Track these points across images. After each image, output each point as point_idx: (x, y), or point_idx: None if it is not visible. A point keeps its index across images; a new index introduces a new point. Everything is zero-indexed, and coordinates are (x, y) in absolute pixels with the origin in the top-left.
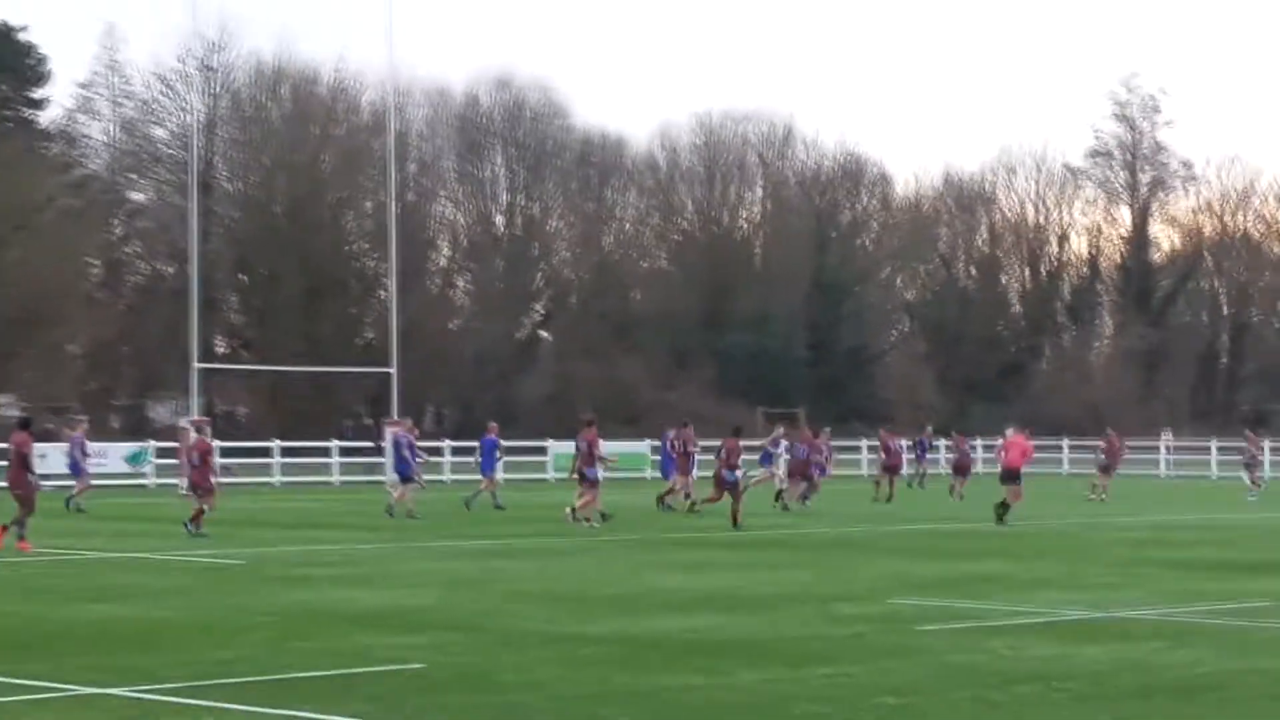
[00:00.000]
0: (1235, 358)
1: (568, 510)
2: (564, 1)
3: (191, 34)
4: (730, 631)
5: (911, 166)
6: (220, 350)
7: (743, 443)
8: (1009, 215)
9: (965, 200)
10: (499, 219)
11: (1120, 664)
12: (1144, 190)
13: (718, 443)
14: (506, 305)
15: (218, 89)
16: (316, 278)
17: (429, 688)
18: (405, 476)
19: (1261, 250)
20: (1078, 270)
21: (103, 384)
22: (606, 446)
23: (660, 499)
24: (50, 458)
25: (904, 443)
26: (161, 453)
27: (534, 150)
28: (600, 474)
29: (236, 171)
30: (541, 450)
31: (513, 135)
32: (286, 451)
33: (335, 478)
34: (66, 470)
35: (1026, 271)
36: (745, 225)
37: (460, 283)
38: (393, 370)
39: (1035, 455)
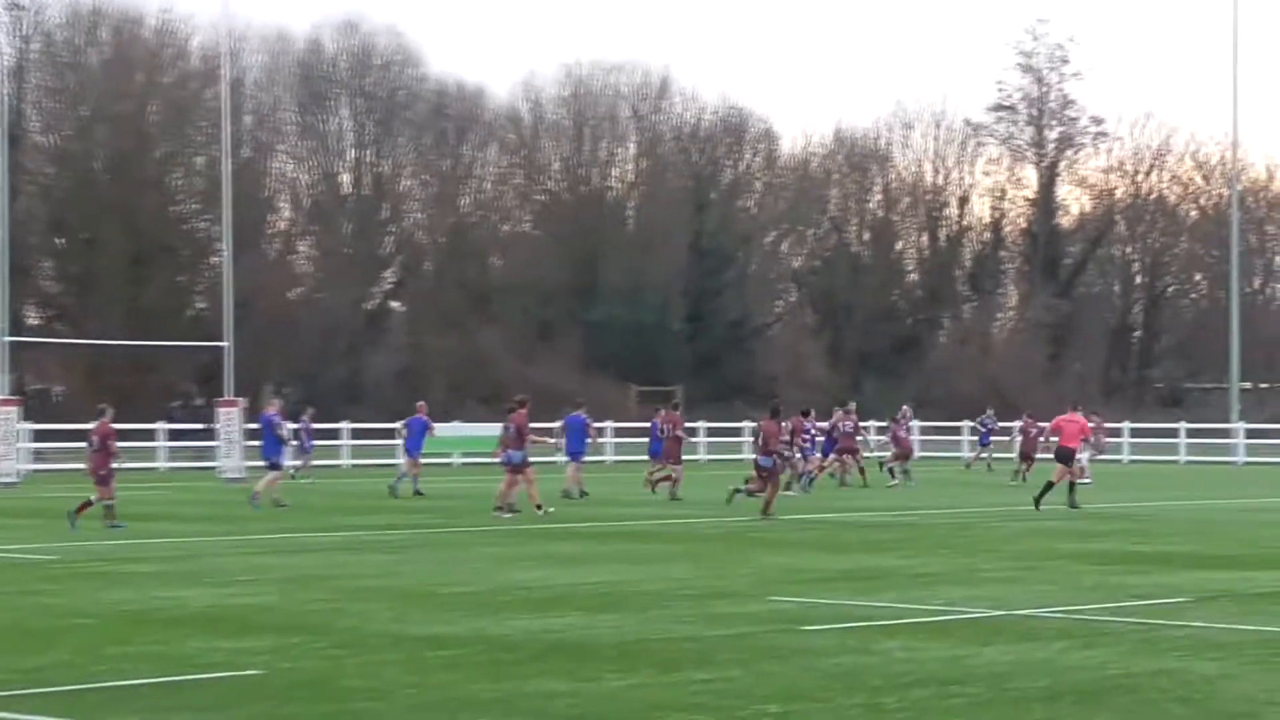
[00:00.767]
0: (1149, 331)
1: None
2: None
3: None
4: (598, 632)
5: (799, 122)
6: (32, 322)
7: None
8: (905, 176)
9: (857, 159)
10: (345, 177)
11: (1023, 666)
12: (1051, 148)
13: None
14: (353, 272)
15: (28, 30)
16: (141, 241)
17: (266, 696)
18: (273, 462)
19: (1177, 214)
20: (979, 235)
21: None
22: (459, 429)
23: (652, 483)
24: None
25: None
26: None
27: (384, 102)
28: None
29: (50, 123)
30: (391, 433)
31: (360, 85)
32: None
33: (161, 464)
34: None
35: (924, 237)
36: (617, 185)
37: (302, 248)
38: (227, 344)
39: (936, 437)
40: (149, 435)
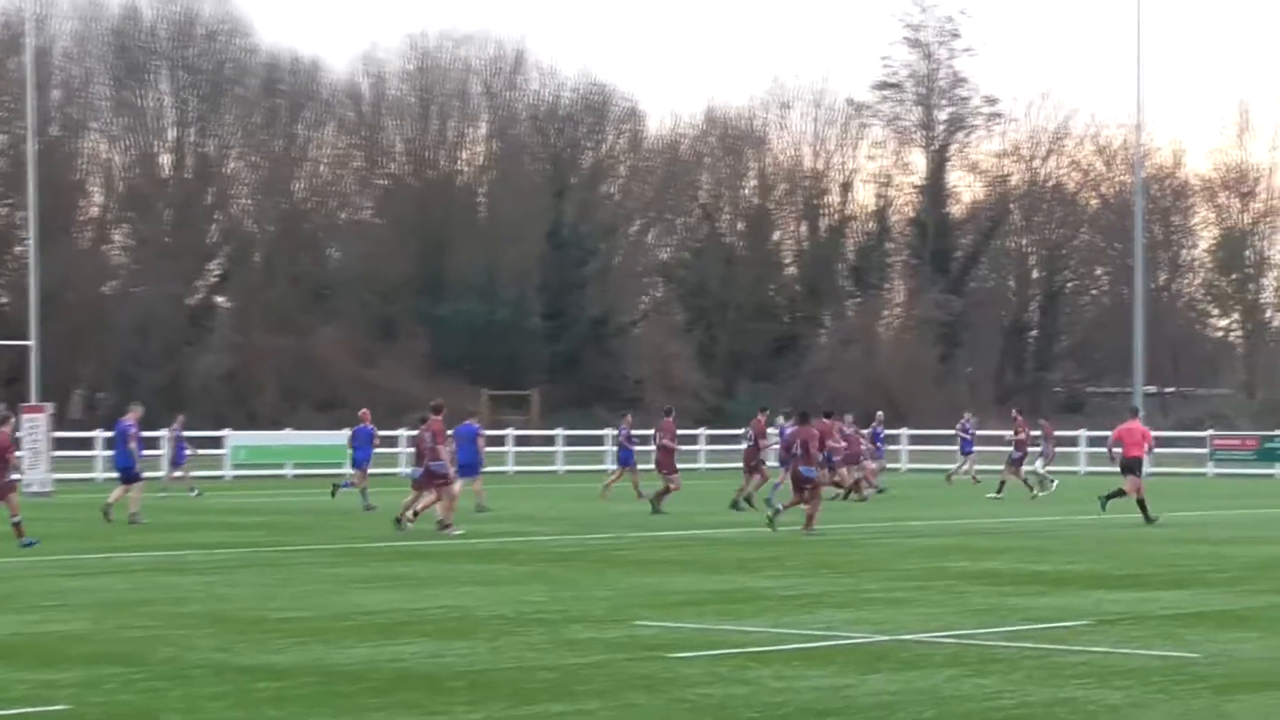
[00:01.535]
0: (1046, 330)
1: (408, 514)
2: None
3: None
4: (447, 660)
5: (667, 101)
6: None
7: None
8: (782, 160)
9: (731, 141)
10: (165, 159)
11: (909, 695)
12: (940, 130)
13: (650, 431)
14: (174, 264)
15: None
16: None
17: None
18: (129, 474)
19: (1076, 203)
20: (863, 225)
21: None
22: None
23: (646, 496)
24: None
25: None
26: None
27: (208, 75)
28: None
29: None
30: (217, 441)
31: (182, 56)
32: None
33: None
34: None
35: (803, 227)
36: (467, 169)
37: (117, 237)
38: (31, 343)
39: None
40: None
